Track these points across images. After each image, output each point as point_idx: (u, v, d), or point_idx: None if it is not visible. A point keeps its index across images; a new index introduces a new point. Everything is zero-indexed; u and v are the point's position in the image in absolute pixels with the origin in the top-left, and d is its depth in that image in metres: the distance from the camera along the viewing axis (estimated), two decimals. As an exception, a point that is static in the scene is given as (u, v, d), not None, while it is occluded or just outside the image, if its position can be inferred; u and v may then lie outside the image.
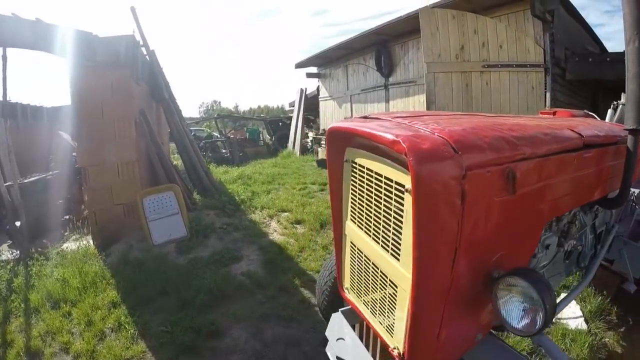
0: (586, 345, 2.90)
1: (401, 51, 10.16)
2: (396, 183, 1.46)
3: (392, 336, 1.59)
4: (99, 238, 5.10)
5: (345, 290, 2.04)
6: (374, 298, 1.74)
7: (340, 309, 2.07)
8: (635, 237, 2.93)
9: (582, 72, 7.42)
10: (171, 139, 7.80)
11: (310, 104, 16.00)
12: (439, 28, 6.74)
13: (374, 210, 1.63)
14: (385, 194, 1.53)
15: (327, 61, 13.72)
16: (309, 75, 15.25)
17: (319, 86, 15.36)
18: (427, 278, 1.35)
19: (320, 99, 15.21)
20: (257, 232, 5.57)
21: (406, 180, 1.36)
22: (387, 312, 1.62)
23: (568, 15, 7.64)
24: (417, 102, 9.64)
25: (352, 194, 1.82)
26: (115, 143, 5.33)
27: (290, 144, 15.82)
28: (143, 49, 6.53)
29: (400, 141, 1.28)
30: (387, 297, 1.61)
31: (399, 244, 1.48)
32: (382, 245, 1.60)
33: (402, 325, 1.49)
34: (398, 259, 1.49)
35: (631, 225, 2.99)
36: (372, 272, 1.72)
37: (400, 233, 1.46)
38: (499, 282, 1.46)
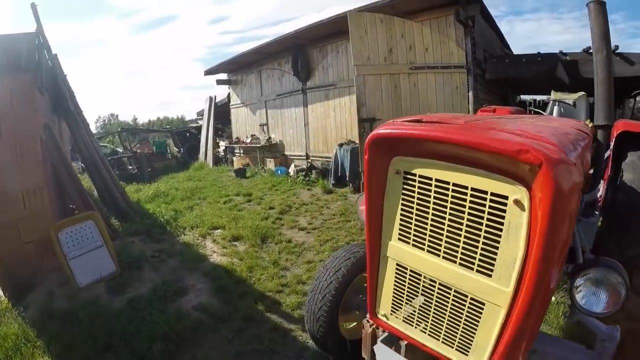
0: (560, 314, 3.12)
1: (319, 55, 9.90)
2: (492, 194, 1.34)
3: (466, 355, 1.55)
4: (9, 287, 3.92)
5: (382, 317, 1.85)
6: (438, 320, 1.61)
7: (379, 339, 1.91)
8: (586, 215, 3.11)
9: (500, 72, 7.87)
10: (77, 157, 6.68)
11: (220, 112, 15.09)
12: (367, 31, 6.56)
13: (449, 226, 1.47)
14: (471, 208, 1.39)
15: (238, 67, 12.99)
16: (219, 82, 14.31)
17: (229, 93, 14.50)
18: (537, 290, 1.31)
19: (231, 107, 14.37)
20: (194, 256, 4.88)
21: (510, 191, 1.29)
22: (462, 332, 1.53)
23: (483, 21, 8.01)
24: (338, 105, 9.50)
25: (404, 210, 1.60)
26: (18, 167, 4.25)
27: (201, 155, 14.76)
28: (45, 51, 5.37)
29: (531, 150, 1.19)
30: (463, 316, 1.52)
31: (492, 259, 1.38)
32: (460, 263, 1.47)
33: (487, 342, 1.45)
34: (489, 275, 1.40)
35: (582, 207, 3.14)
36: (439, 293, 1.58)
37: (496, 247, 1.37)
38: (576, 275, 1.59)
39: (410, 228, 1.58)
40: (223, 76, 14.31)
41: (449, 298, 1.54)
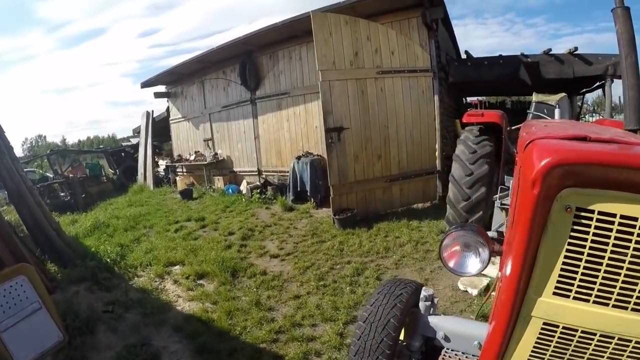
0: None
1: (270, 62, 9.21)
2: None
3: None
4: None
5: None
6: None
7: None
8: None
9: (463, 75, 7.77)
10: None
11: (158, 129, 13.87)
12: (332, 34, 6.03)
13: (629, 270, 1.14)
14: None
15: (179, 78, 11.92)
16: (158, 95, 13.11)
17: (168, 107, 13.34)
18: None
19: (171, 122, 13.21)
20: (157, 306, 4.01)
21: None
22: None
23: (442, 25, 7.84)
24: (292, 115, 8.86)
25: (570, 257, 1.21)
26: None
27: (140, 177, 13.42)
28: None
29: None
30: None
31: None
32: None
33: None
34: None
35: None
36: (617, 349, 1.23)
37: None
38: None
39: (575, 278, 1.22)
40: (161, 88, 13.15)
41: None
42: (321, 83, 6.00)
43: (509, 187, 4.59)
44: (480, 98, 14.34)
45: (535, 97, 5.29)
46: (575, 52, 7.36)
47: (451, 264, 1.77)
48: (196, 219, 7.32)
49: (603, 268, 1.18)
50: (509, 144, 4.90)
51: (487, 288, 4.05)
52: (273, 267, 4.88)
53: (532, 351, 1.35)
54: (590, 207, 1.16)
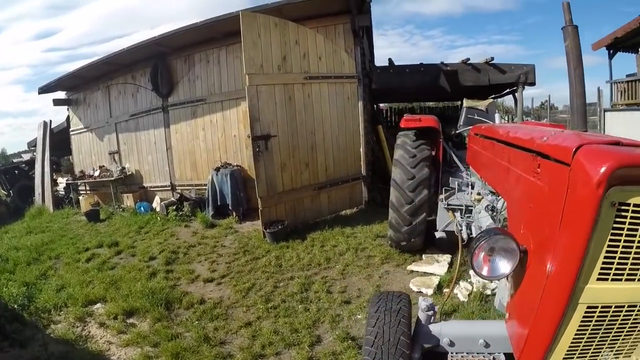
0: None
1: (185, 66, 8.49)
2: None
3: None
4: None
5: None
6: None
7: None
8: None
9: (386, 82, 7.88)
10: None
11: (58, 141, 12.23)
12: (261, 36, 5.67)
13: None
14: None
15: (82, 82, 10.56)
16: (57, 102, 11.51)
17: (69, 116, 11.82)
18: None
19: (72, 133, 11.72)
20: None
21: None
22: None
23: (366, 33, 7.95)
24: (208, 123, 8.25)
25: (612, 245, 1.36)
26: None
27: (37, 197, 11.68)
28: None
29: None
30: None
31: None
32: None
33: None
34: None
35: None
36: None
37: None
38: None
39: (613, 263, 1.39)
40: (62, 95, 11.63)
41: None
42: (248, 88, 5.62)
43: (453, 189, 4.66)
44: (388, 105, 14.93)
45: (466, 103, 5.52)
46: (491, 62, 7.95)
47: (485, 272, 1.72)
48: (109, 245, 6.45)
49: (634, 250, 1.36)
50: (447, 147, 5.01)
51: (440, 286, 4.19)
52: (210, 293, 4.37)
53: (575, 335, 1.49)
54: (629, 201, 1.33)
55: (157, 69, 8.57)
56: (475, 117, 5.34)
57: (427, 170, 4.63)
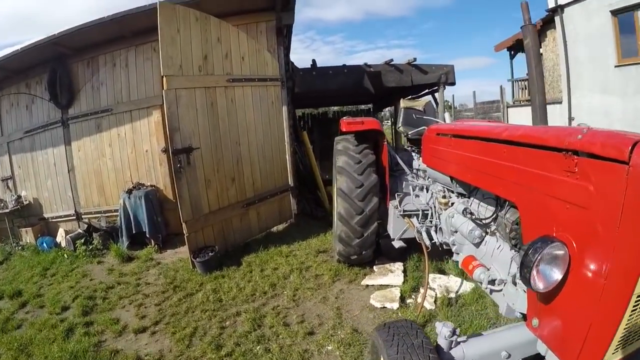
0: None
1: (88, 70, 7.08)
2: None
3: None
4: None
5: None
6: None
7: None
8: None
9: (309, 85, 7.49)
10: None
11: None
12: (180, 31, 4.79)
13: None
14: None
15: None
16: None
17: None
18: None
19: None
20: None
21: None
22: None
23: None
24: (115, 138, 6.97)
25: None
26: None
27: None
28: None
29: None
30: None
31: None
32: None
33: None
34: None
35: None
36: None
37: None
38: None
39: None
40: None
41: None
42: (166, 92, 4.72)
43: (405, 194, 4.46)
44: (300, 110, 14.69)
45: (403, 104, 5.33)
46: (413, 63, 8.05)
47: (541, 286, 1.63)
48: (10, 295, 4.98)
49: None
50: (391, 150, 4.75)
51: (402, 298, 4.01)
52: (145, 347, 3.42)
53: (626, 322, 1.46)
54: None
55: (56, 74, 7.00)
56: (415, 118, 5.19)
57: (375, 177, 4.32)
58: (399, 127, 5.20)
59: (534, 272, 1.59)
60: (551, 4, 12.63)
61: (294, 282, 4.61)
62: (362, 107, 15.16)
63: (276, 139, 6.46)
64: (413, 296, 4.16)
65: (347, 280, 4.60)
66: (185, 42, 4.84)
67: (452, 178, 3.30)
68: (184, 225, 5.02)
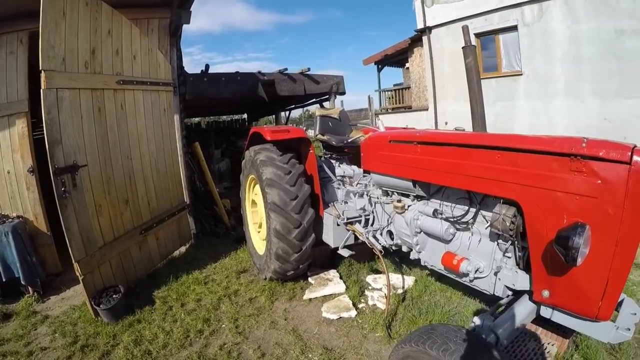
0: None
1: None
2: None
3: None
4: None
5: None
6: None
7: None
8: None
9: (200, 92, 6.78)
10: None
11: None
12: (66, 15, 3.62)
13: None
14: None
15: None
16: None
17: None
18: None
19: None
20: None
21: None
22: None
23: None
24: None
25: None
26: None
27: None
28: None
29: None
30: None
31: None
32: None
33: None
34: None
35: None
36: None
37: None
38: None
39: None
40: None
41: None
42: (45, 92, 3.54)
43: (344, 201, 4.39)
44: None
45: (318, 112, 5.19)
46: (306, 72, 7.98)
47: (580, 260, 1.90)
48: None
49: None
50: (317, 158, 4.55)
51: (354, 305, 4.00)
52: None
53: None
54: None
55: None
56: (331, 125, 5.13)
57: (308, 187, 4.14)
58: (317, 135, 5.06)
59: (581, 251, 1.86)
60: (420, 25, 14.36)
61: (229, 311, 4.06)
62: (236, 117, 14.67)
63: (169, 152, 5.62)
64: (363, 300, 4.11)
65: (286, 298, 4.29)
66: (72, 30, 3.75)
67: (415, 182, 3.35)
68: (76, 265, 3.87)
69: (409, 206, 3.57)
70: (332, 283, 4.48)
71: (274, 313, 3.98)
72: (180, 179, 5.89)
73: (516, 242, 2.48)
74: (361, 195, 4.33)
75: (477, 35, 12.62)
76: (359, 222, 4.21)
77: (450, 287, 4.21)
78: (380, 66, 18.26)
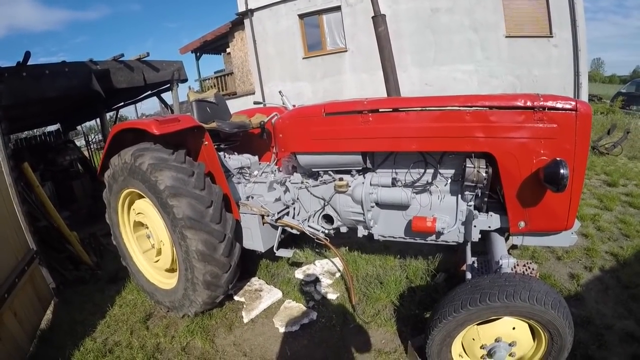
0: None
1: None
2: None
3: None
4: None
5: None
6: None
7: None
8: None
9: (20, 92, 4.83)
10: None
11: None
12: None
13: None
14: None
15: None
16: None
17: None
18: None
19: None
20: None
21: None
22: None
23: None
24: None
25: None
26: None
27: None
28: None
29: None
30: None
31: None
32: None
33: None
34: None
35: None
36: None
37: None
38: None
39: None
40: None
41: None
42: None
43: (258, 196, 3.79)
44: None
45: (192, 97, 4.20)
46: (144, 59, 6.58)
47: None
48: None
49: None
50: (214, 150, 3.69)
51: (308, 307, 3.66)
52: None
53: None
54: None
55: None
56: (209, 111, 4.32)
57: (218, 187, 3.28)
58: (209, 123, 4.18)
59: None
60: (241, 8, 13.72)
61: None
62: (48, 129, 11.54)
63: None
64: (309, 298, 3.77)
65: (225, 330, 3.41)
66: None
67: (365, 154, 3.13)
68: None
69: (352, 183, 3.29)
70: (264, 292, 3.83)
71: (225, 354, 3.11)
72: (18, 218, 4.00)
73: (485, 190, 2.74)
74: (282, 184, 3.79)
75: (301, 16, 12.94)
76: (287, 214, 3.69)
77: (373, 255, 4.21)
78: (198, 54, 17.13)
